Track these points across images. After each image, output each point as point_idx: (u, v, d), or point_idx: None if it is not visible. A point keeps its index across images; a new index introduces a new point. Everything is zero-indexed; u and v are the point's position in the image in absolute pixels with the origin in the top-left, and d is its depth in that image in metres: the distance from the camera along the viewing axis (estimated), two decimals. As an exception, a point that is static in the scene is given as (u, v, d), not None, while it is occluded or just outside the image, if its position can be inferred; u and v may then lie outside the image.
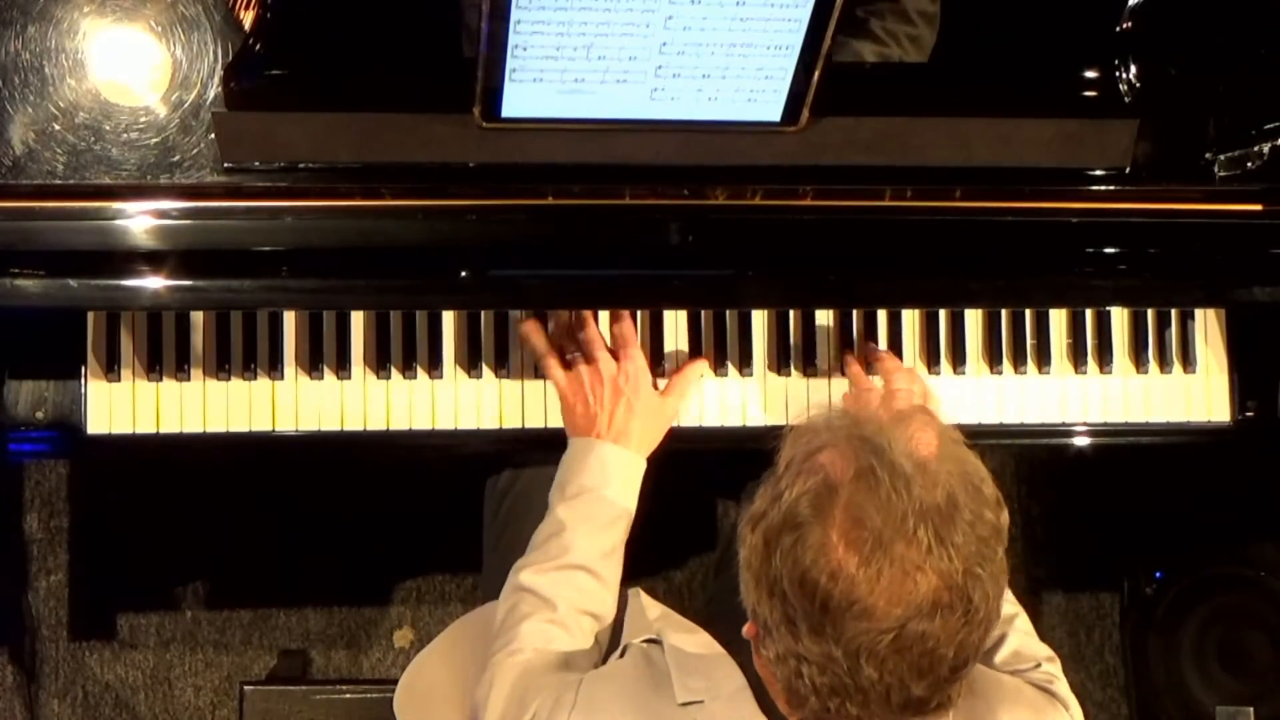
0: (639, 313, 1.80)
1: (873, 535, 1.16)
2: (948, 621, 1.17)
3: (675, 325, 1.82)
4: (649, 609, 1.59)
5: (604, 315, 1.77)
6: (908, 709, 1.20)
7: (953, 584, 1.16)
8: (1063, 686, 1.53)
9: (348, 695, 1.95)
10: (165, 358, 1.74)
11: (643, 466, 1.67)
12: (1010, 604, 1.60)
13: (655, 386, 1.74)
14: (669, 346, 1.82)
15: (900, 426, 1.23)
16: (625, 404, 1.67)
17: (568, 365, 1.72)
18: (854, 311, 1.85)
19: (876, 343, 1.85)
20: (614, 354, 1.71)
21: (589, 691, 1.35)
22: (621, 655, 1.46)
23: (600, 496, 1.61)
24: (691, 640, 1.46)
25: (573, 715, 1.33)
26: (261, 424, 1.76)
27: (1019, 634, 1.61)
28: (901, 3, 1.70)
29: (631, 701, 1.34)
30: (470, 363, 1.79)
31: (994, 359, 1.88)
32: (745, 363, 1.82)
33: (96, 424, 1.73)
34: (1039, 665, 1.58)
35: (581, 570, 1.57)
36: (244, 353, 1.76)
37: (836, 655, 1.17)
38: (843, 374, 1.84)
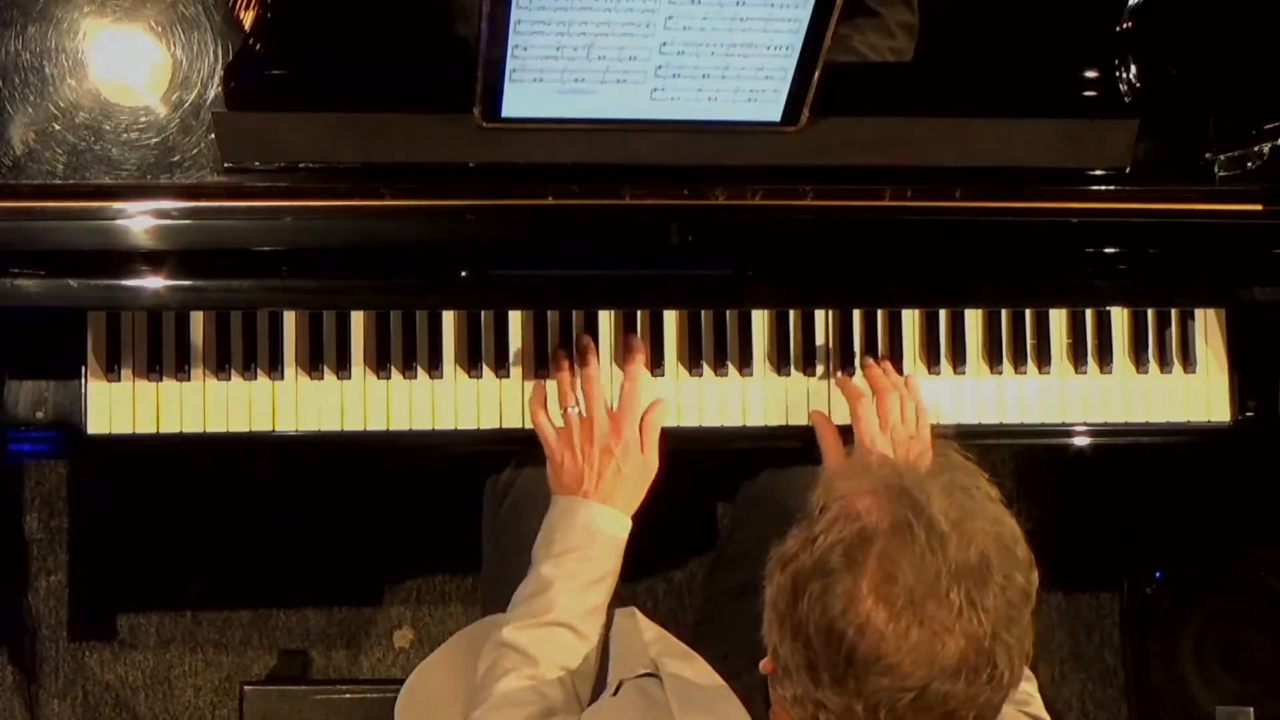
0: (639, 312, 1.80)
1: (904, 592, 1.14)
2: (971, 684, 1.15)
3: (675, 325, 1.82)
4: (645, 630, 1.58)
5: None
6: None
7: (980, 648, 1.15)
8: (1038, 707, 1.53)
9: (348, 695, 1.94)
10: (165, 358, 1.74)
11: (628, 526, 1.65)
12: None
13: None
14: (669, 347, 1.81)
15: (938, 479, 1.21)
16: (615, 466, 1.65)
17: (563, 420, 1.70)
18: (854, 311, 1.85)
19: (877, 343, 1.85)
20: (611, 413, 1.69)
21: None
22: (615, 692, 1.44)
23: (586, 556, 1.59)
24: (689, 669, 1.44)
25: None
26: (262, 424, 1.76)
27: None
28: (881, 17, 1.69)
29: None
30: (470, 363, 1.79)
31: (994, 359, 1.87)
32: (745, 363, 1.82)
33: (96, 424, 1.73)
34: None
35: (564, 628, 1.55)
36: (244, 353, 1.76)
37: (856, 709, 1.16)
38: (843, 374, 1.84)
